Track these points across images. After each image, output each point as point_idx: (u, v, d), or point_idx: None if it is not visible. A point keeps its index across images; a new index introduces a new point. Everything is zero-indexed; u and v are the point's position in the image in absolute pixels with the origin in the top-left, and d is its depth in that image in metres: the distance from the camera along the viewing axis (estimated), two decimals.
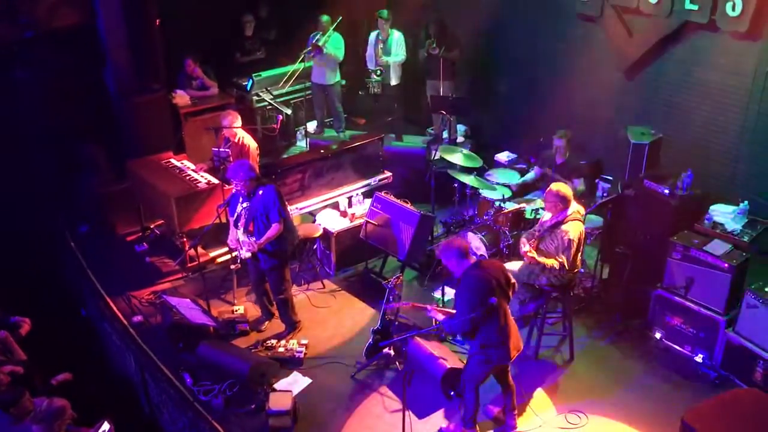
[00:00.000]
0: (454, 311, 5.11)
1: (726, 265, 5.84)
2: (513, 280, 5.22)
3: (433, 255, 7.56)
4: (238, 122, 7.39)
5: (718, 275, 5.89)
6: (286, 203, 6.41)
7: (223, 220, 6.87)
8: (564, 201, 5.87)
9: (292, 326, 6.62)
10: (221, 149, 7.33)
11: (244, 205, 6.14)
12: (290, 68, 9.69)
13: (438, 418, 5.68)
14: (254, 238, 6.10)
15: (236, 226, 6.23)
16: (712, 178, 7.32)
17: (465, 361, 5.41)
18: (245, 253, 6.23)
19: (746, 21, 6.68)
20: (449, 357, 5.93)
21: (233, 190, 6.32)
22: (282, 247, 6.24)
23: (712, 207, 6.58)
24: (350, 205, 7.73)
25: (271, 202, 6.03)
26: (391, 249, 7.15)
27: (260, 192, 6.07)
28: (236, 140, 7.37)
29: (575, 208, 5.96)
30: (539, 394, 5.92)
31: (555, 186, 5.97)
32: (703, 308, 6.05)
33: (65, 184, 8.46)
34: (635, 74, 8.00)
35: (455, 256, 5.03)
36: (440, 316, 5.17)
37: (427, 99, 9.54)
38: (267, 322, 6.72)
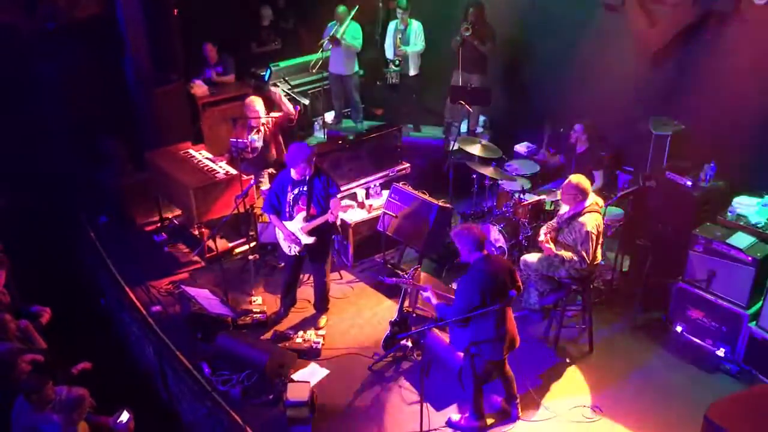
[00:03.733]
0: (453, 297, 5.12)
1: (749, 258, 5.75)
2: (519, 282, 5.19)
3: (452, 246, 7.53)
4: (261, 105, 7.44)
5: (742, 268, 5.80)
6: None
7: (241, 211, 6.89)
8: (582, 193, 5.82)
9: (325, 310, 6.68)
10: (239, 140, 7.36)
11: (296, 191, 6.11)
12: (308, 58, 9.69)
13: (455, 410, 5.65)
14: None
15: (291, 217, 6.19)
16: (736, 169, 7.19)
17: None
18: (307, 239, 6.18)
19: None
20: None
21: (253, 184, 6.30)
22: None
23: (735, 199, 6.48)
24: (368, 196, 7.71)
25: (328, 177, 6.13)
26: (408, 240, 7.12)
27: (315, 171, 6.08)
28: (266, 123, 7.49)
29: (593, 199, 5.91)
30: (557, 387, 5.88)
31: (575, 178, 5.91)
32: (726, 302, 5.97)
33: (85, 174, 8.52)
34: (658, 64, 7.87)
35: (470, 243, 4.98)
36: (435, 300, 5.17)
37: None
38: (285, 315, 6.72)
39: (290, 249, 6.31)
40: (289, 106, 7.83)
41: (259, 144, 7.54)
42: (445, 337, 5.98)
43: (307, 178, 6.09)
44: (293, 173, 6.07)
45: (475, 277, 4.94)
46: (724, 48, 7.21)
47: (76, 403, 5.20)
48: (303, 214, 6.15)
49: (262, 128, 7.54)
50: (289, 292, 6.68)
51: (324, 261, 6.46)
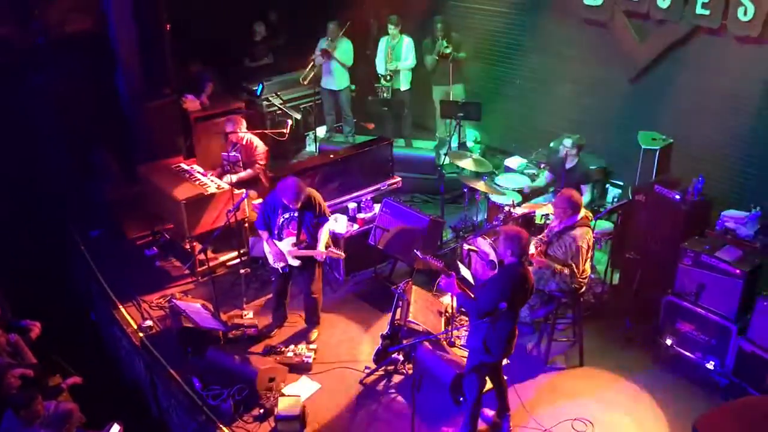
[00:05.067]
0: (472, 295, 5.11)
1: (738, 271, 5.79)
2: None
3: (444, 260, 7.55)
4: (243, 126, 7.49)
5: (730, 281, 5.84)
6: None
7: (233, 225, 6.90)
8: (574, 207, 5.87)
9: (316, 324, 6.66)
10: (230, 154, 7.40)
11: (287, 215, 6.17)
12: (300, 74, 9.75)
13: (447, 424, 5.65)
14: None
15: (279, 238, 6.25)
16: (724, 183, 7.27)
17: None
18: (293, 261, 6.25)
19: (758, 25, 6.66)
20: (458, 363, 5.91)
21: (245, 198, 6.30)
22: None
23: (723, 213, 6.54)
24: (359, 209, 7.73)
25: (318, 208, 6.19)
26: (400, 254, 7.14)
27: (306, 205, 6.13)
28: (243, 143, 7.47)
29: (584, 213, 5.95)
30: (548, 400, 5.89)
31: (567, 192, 5.96)
32: (715, 315, 6.00)
33: (77, 188, 8.51)
34: (645, 79, 7.97)
35: (515, 247, 4.95)
36: (458, 290, 5.10)
37: (435, 105, 9.57)
38: (276, 329, 6.72)
39: (276, 265, 6.35)
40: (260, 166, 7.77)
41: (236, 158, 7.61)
42: (437, 351, 5.98)
43: (298, 206, 6.15)
44: (284, 200, 6.14)
45: (512, 278, 4.97)
46: (711, 63, 7.31)
47: (64, 418, 5.18)
48: (292, 239, 6.21)
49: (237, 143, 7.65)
50: (279, 305, 6.67)
51: (312, 275, 6.46)
